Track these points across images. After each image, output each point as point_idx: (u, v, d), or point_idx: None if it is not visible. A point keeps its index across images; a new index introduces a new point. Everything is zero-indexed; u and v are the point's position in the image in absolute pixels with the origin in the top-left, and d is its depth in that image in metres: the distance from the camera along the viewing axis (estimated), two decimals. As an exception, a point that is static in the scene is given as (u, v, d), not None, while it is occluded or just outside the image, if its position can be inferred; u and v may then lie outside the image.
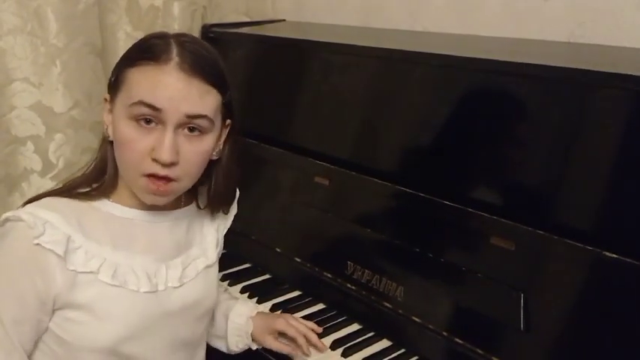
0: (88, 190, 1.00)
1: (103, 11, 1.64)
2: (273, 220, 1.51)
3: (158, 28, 1.73)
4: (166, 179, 0.94)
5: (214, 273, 1.13)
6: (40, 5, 1.49)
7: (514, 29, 1.51)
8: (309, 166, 1.44)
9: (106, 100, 0.99)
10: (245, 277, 1.46)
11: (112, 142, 0.99)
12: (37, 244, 0.91)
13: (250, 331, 1.20)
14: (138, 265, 0.99)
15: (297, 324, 1.20)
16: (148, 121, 0.92)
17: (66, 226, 0.93)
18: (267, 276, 1.48)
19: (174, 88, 0.92)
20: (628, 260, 0.95)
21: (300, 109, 1.56)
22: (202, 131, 0.96)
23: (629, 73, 1.01)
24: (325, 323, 1.28)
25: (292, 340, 1.18)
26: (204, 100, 0.95)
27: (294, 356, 1.19)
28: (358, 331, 1.27)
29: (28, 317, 0.93)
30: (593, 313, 1.00)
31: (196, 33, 1.80)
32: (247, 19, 1.98)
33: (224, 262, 1.53)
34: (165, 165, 0.92)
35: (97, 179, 1.01)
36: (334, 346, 1.21)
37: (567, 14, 1.41)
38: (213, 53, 0.99)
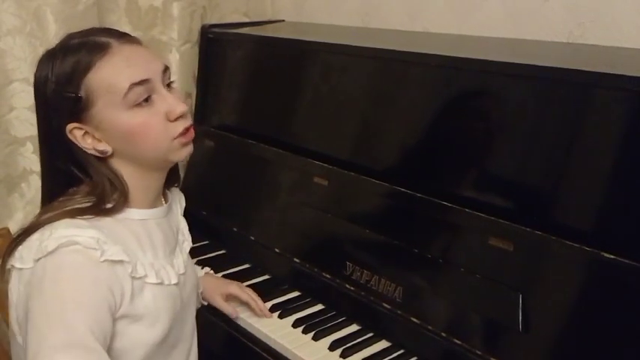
0: (111, 206, 0.97)
1: (102, 12, 1.64)
2: (272, 220, 1.51)
3: (157, 29, 1.74)
4: (191, 126, 1.00)
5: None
6: (39, 6, 1.50)
7: (513, 30, 1.51)
8: (308, 166, 1.44)
9: (75, 128, 0.95)
10: (244, 278, 1.46)
11: (102, 159, 0.97)
12: (105, 260, 0.89)
13: (201, 290, 1.28)
14: (163, 260, 1.03)
15: (249, 290, 1.35)
16: (147, 99, 0.95)
17: (108, 239, 0.92)
18: (266, 276, 1.49)
19: (139, 56, 0.96)
20: (626, 261, 0.95)
21: (299, 110, 1.56)
22: (171, 81, 1.01)
23: (628, 73, 1.01)
24: (324, 324, 1.28)
25: (244, 303, 1.33)
26: (155, 53, 1.01)
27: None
28: (357, 331, 1.27)
29: (107, 334, 0.91)
30: (592, 313, 1.00)
31: (196, 33, 1.80)
32: (247, 20, 1.98)
33: (224, 262, 1.54)
34: (185, 115, 0.98)
35: (109, 194, 0.98)
36: (333, 346, 1.21)
37: (566, 15, 1.41)
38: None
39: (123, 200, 0.99)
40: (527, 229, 1.06)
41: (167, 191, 1.12)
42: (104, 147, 0.96)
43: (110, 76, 0.93)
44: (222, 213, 1.64)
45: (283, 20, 2.02)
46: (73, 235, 0.89)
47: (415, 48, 1.40)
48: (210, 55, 1.79)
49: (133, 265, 0.95)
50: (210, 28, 1.79)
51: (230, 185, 1.66)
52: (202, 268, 1.48)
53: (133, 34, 1.68)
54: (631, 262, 0.94)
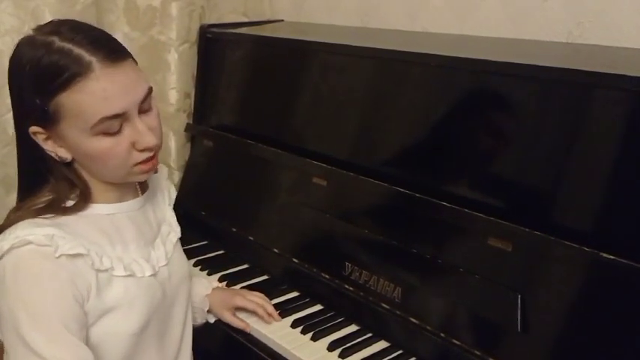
0: (72, 204, 0.98)
1: (100, 11, 1.64)
2: (271, 220, 1.51)
3: (156, 29, 1.74)
4: (154, 157, 0.98)
5: (180, 244, 1.18)
6: (37, 6, 1.50)
7: (512, 29, 1.50)
8: (307, 166, 1.44)
9: (38, 132, 0.94)
10: (243, 278, 1.46)
11: (64, 163, 0.97)
12: (60, 255, 0.90)
13: (206, 309, 1.29)
14: (134, 253, 1.03)
15: (254, 298, 1.32)
16: (118, 127, 0.93)
17: (67, 235, 0.93)
18: (265, 277, 1.48)
19: (119, 87, 0.91)
20: (625, 262, 0.94)
21: (298, 110, 1.56)
22: (151, 100, 0.98)
23: (628, 73, 1.01)
24: (323, 324, 1.28)
25: (251, 312, 1.30)
26: (139, 75, 0.96)
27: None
28: (356, 331, 1.27)
29: (82, 324, 0.93)
30: (590, 314, 0.99)
31: (194, 33, 1.79)
32: (245, 20, 1.98)
33: (223, 262, 1.54)
34: (152, 148, 0.96)
35: (68, 191, 0.99)
36: (332, 346, 1.21)
37: (565, 14, 1.41)
38: (98, 28, 0.99)
39: (84, 198, 0.99)
40: (526, 230, 1.06)
41: (146, 181, 1.12)
42: (64, 154, 0.96)
43: (83, 103, 0.90)
44: (221, 213, 1.64)
45: (282, 20, 2.02)
46: (27, 234, 0.90)
47: (414, 48, 1.40)
48: (209, 55, 1.79)
49: (96, 257, 0.95)
50: (208, 28, 1.79)
51: (229, 185, 1.66)
52: (208, 277, 1.47)
53: (131, 34, 1.71)
54: (630, 262, 0.94)
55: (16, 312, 0.89)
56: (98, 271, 0.95)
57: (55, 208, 0.97)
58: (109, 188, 1.02)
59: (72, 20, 0.97)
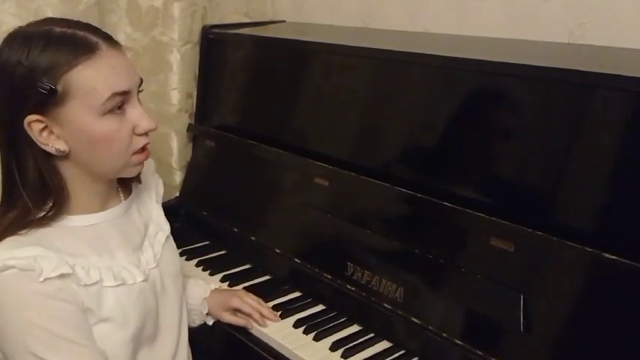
0: (43, 215, 0.95)
1: (103, 12, 1.64)
2: (273, 220, 1.52)
3: (158, 29, 1.74)
4: (148, 144, 1.00)
5: (172, 240, 1.17)
6: (39, 6, 1.50)
7: (513, 30, 1.51)
8: (309, 166, 1.44)
9: (36, 121, 0.91)
10: (245, 278, 1.46)
11: (49, 161, 0.95)
12: (45, 279, 0.89)
13: (206, 311, 1.28)
14: (123, 260, 1.02)
15: (250, 301, 1.31)
16: (120, 107, 0.95)
17: (51, 252, 0.92)
18: (267, 277, 1.49)
19: (124, 65, 0.95)
20: (627, 262, 0.95)
21: (300, 110, 1.56)
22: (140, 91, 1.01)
23: (628, 73, 1.01)
24: (325, 324, 1.28)
25: (248, 315, 1.29)
26: (134, 65, 1.00)
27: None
28: (358, 332, 1.27)
29: (86, 329, 0.94)
30: (593, 314, 1.00)
31: (196, 34, 1.80)
32: (247, 20, 1.98)
33: (224, 263, 1.54)
34: (148, 133, 0.99)
35: (41, 202, 0.96)
36: (335, 347, 1.21)
37: (566, 15, 1.41)
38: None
39: (59, 207, 0.96)
40: (529, 230, 1.06)
41: (130, 185, 1.11)
42: (62, 146, 0.93)
43: (94, 79, 0.91)
44: (223, 213, 1.64)
45: (284, 21, 2.02)
46: (8, 258, 0.89)
47: (415, 48, 1.40)
48: (211, 56, 1.79)
49: (82, 272, 0.94)
50: (210, 29, 1.79)
51: (231, 186, 1.66)
52: (208, 283, 1.47)
53: (133, 35, 1.71)
54: (632, 262, 0.94)
55: (22, 336, 0.88)
56: (86, 286, 0.95)
57: (27, 221, 0.94)
58: (94, 192, 1.00)
59: (53, 17, 1.01)
